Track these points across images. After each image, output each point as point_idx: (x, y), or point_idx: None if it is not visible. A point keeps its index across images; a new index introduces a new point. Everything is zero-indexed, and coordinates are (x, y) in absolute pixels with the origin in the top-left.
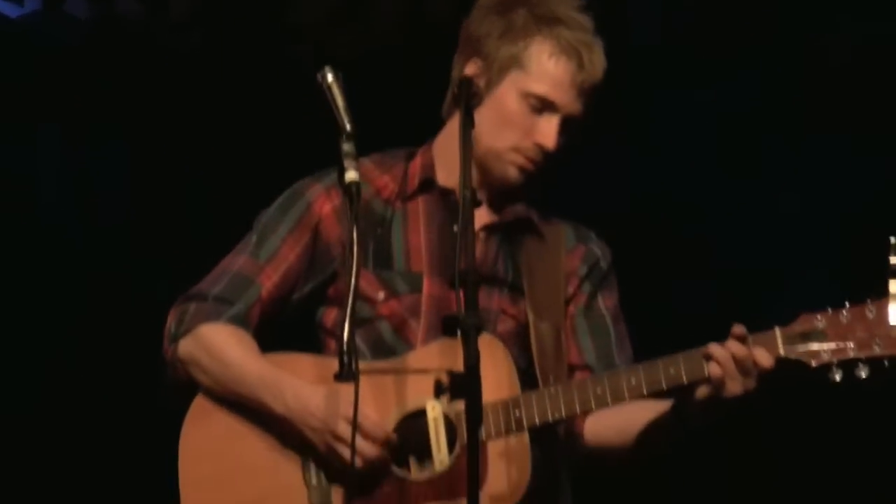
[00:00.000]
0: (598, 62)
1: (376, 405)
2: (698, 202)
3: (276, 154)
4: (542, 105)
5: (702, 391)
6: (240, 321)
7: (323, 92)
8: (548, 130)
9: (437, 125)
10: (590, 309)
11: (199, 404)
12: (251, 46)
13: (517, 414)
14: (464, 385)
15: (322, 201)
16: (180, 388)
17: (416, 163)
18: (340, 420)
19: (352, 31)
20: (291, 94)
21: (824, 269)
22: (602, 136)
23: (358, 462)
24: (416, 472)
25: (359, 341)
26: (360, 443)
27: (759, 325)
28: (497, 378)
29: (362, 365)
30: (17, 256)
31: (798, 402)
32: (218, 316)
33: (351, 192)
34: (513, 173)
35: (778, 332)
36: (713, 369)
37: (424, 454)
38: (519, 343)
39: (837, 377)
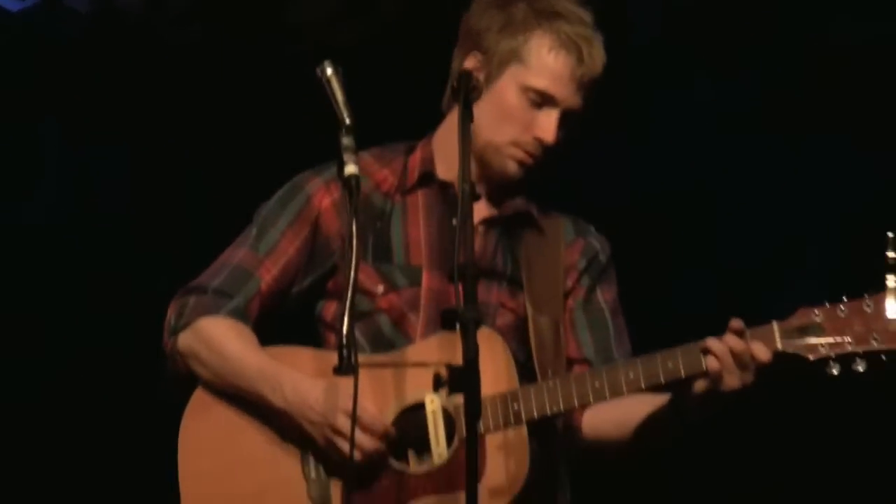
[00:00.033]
0: (597, 56)
1: (375, 399)
2: (698, 199)
3: (275, 148)
4: (542, 99)
5: (700, 385)
6: (239, 314)
7: (322, 86)
8: (547, 125)
9: (436, 119)
10: (588, 302)
11: (199, 398)
12: (251, 40)
13: (515, 407)
14: (462, 378)
15: (322, 195)
16: (180, 381)
17: (416, 156)
18: (339, 413)
19: (352, 24)
20: (291, 88)
21: (823, 268)
22: (602, 131)
23: (357, 455)
24: (414, 466)
25: (358, 335)
26: (359, 436)
27: (757, 320)
28: (496, 371)
29: (361, 358)
30: (17, 254)
31: (796, 396)
32: (217, 309)
33: (350, 186)
34: (512, 167)
35: (775, 326)
36: (711, 363)
37: (423, 447)
38: (517, 337)
39: (835, 371)
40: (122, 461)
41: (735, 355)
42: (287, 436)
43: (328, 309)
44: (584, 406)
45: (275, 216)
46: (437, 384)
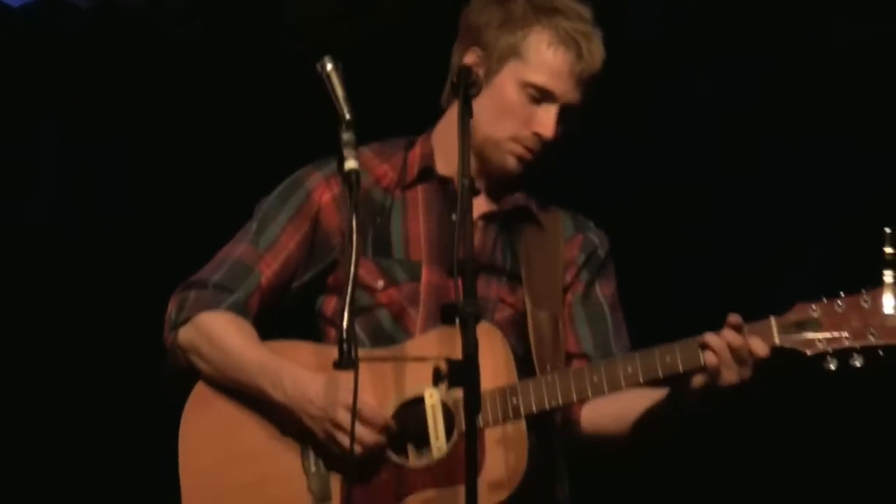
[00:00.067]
0: (596, 52)
1: (375, 393)
2: (697, 196)
3: (276, 145)
4: (541, 95)
5: (698, 380)
6: (239, 309)
7: (322, 81)
8: (546, 120)
9: (436, 114)
10: (587, 297)
11: (199, 392)
12: (251, 37)
13: (514, 402)
14: (462, 373)
15: (322, 190)
16: (180, 375)
17: (416, 152)
18: (339, 407)
19: (352, 21)
20: (291, 84)
21: (823, 268)
22: (603, 129)
23: (357, 449)
24: (413, 460)
25: (358, 329)
26: (359, 430)
27: (755, 317)
28: (495, 366)
29: (361, 353)
30: (17, 252)
31: (793, 391)
32: (218, 304)
33: (350, 181)
34: (511, 163)
35: (773, 321)
36: (709, 358)
37: (422, 441)
38: (516, 331)
39: (832, 366)
40: (123, 456)
41: (733, 350)
42: (287, 430)
43: (328, 304)
44: (582, 400)
45: (275, 211)
46: (437, 378)
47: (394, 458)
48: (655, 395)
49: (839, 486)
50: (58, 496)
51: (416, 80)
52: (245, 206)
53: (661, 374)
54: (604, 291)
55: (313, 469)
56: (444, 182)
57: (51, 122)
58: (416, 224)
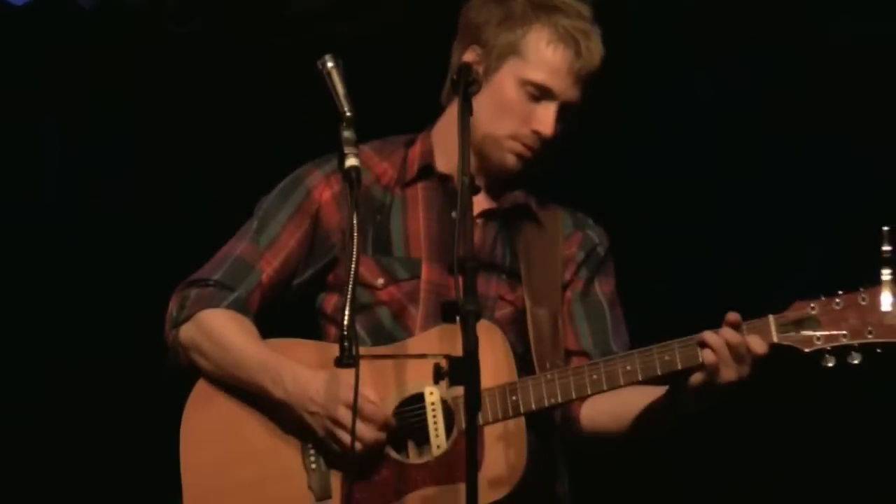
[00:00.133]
0: (595, 50)
1: (376, 390)
2: (697, 195)
3: (276, 141)
4: (540, 92)
5: (696, 377)
6: (240, 307)
7: (323, 79)
8: (545, 118)
9: (436, 112)
10: (586, 294)
11: (201, 389)
12: (252, 35)
13: (514, 399)
14: (462, 370)
15: (322, 188)
16: (181, 373)
17: (416, 149)
18: (340, 405)
19: (352, 18)
20: (292, 82)
21: (823, 268)
22: (603, 128)
23: (357, 446)
24: (414, 457)
25: (358, 327)
26: (359, 427)
27: (755, 315)
28: (495, 364)
29: (362, 350)
30: (17, 252)
31: (792, 388)
32: (219, 301)
33: (351, 179)
34: (511, 160)
35: (771, 319)
36: (707, 356)
37: (422, 439)
38: (516, 329)
39: (830, 364)
40: (125, 455)
41: (731, 348)
42: (288, 427)
43: (328, 301)
44: (581, 398)
45: (275, 209)
46: (438, 376)
47: (394, 455)
48: (654, 392)
49: (838, 485)
50: (58, 495)
51: (416, 77)
52: (245, 205)
53: (659, 372)
54: (603, 289)
55: (313, 466)
56: (444, 180)
57: (51, 122)
58: (415, 222)
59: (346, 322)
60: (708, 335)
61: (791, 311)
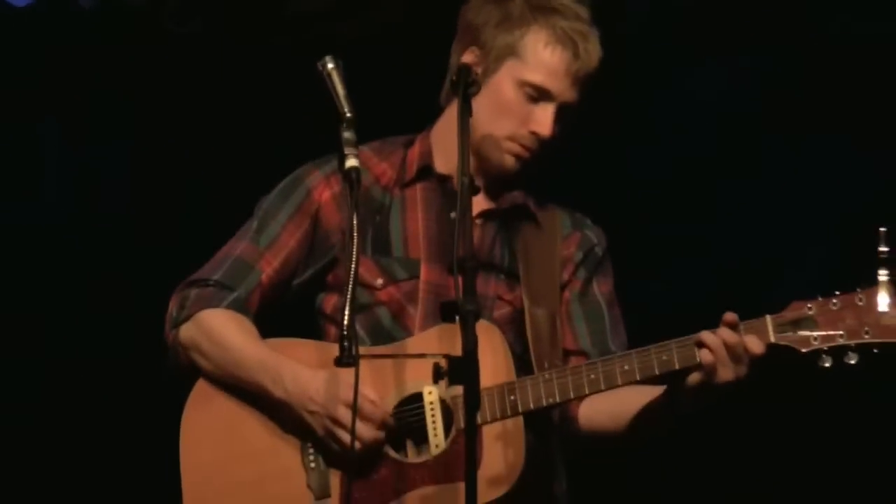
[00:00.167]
0: (593, 51)
1: (375, 390)
2: (697, 195)
3: (276, 142)
4: (538, 94)
5: (694, 377)
6: (240, 307)
7: (323, 80)
8: (543, 119)
9: (435, 112)
10: (585, 294)
11: (200, 389)
12: (252, 35)
13: (512, 399)
14: (462, 370)
15: (322, 188)
16: (181, 373)
17: (415, 150)
18: (340, 405)
19: (352, 19)
20: (291, 83)
21: (823, 268)
22: (602, 128)
23: (356, 446)
24: (412, 456)
25: (357, 327)
26: (359, 426)
27: (751, 314)
28: (494, 363)
29: (362, 350)
30: (18, 251)
31: (789, 388)
32: (219, 301)
33: (351, 179)
34: (509, 161)
35: (769, 319)
36: (705, 356)
37: (421, 438)
38: (514, 329)
39: (827, 364)
40: (125, 454)
41: (729, 348)
42: (287, 426)
43: (328, 301)
44: (579, 398)
45: (275, 209)
46: (437, 375)
47: (393, 454)
48: (652, 392)
49: (835, 485)
50: (58, 495)
51: (416, 78)
52: (245, 205)
53: (657, 372)
54: (601, 289)
55: (313, 465)
56: (443, 180)
57: (51, 122)
58: (414, 222)
59: (345, 322)
60: (705, 335)
61: (788, 311)
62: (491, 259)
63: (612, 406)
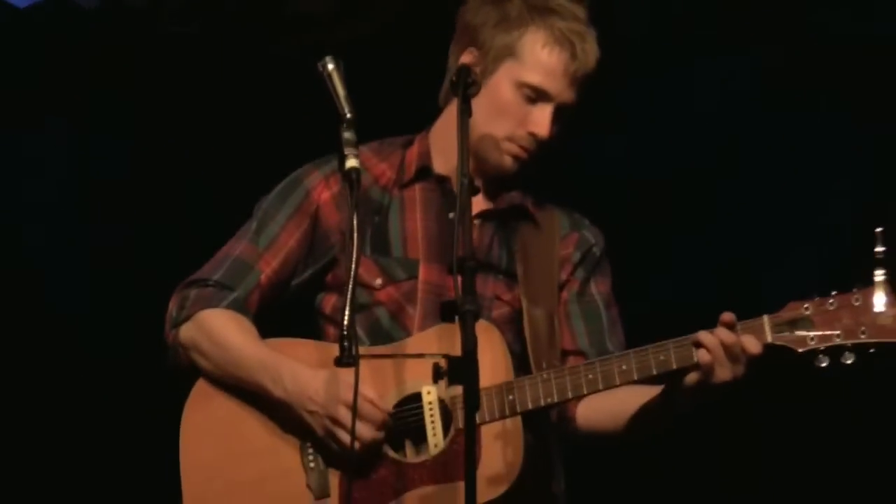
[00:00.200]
0: (591, 52)
1: (375, 389)
2: (696, 194)
3: (276, 142)
4: (536, 94)
5: (691, 377)
6: (240, 307)
7: (324, 80)
8: (541, 119)
9: (434, 113)
10: (582, 295)
11: (200, 389)
12: (251, 36)
13: (511, 398)
14: (461, 370)
15: (321, 189)
16: (181, 373)
17: (413, 151)
18: (339, 405)
19: (351, 20)
20: (291, 83)
21: (824, 268)
22: (602, 128)
23: (356, 446)
24: (411, 456)
25: (357, 327)
26: (358, 426)
27: (749, 314)
28: (493, 363)
29: (362, 350)
30: (18, 250)
31: (787, 387)
32: (218, 301)
33: (351, 179)
34: (507, 162)
35: (766, 319)
36: (702, 356)
37: (420, 438)
38: (513, 329)
39: (824, 364)
40: (125, 454)
41: (726, 348)
42: (287, 426)
43: (327, 301)
44: (578, 397)
45: (275, 210)
46: (437, 375)
47: (392, 454)
48: (649, 391)
49: (833, 484)
50: (58, 495)
51: (415, 78)
52: (245, 205)
53: (655, 372)
54: (599, 289)
55: (312, 465)
56: (442, 181)
57: (52, 122)
58: (413, 222)
59: (346, 322)
60: (703, 335)
61: (785, 311)
62: (489, 259)
63: (610, 406)
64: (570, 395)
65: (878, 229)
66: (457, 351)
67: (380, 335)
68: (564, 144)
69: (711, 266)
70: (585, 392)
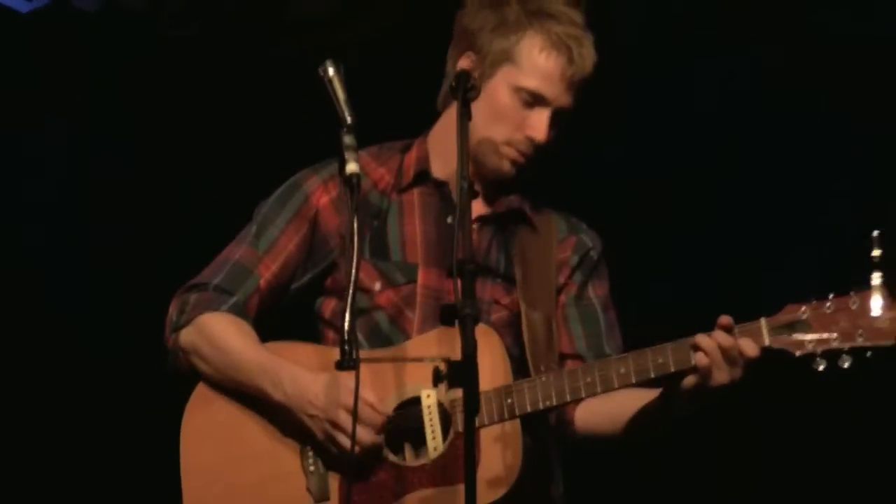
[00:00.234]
0: (588, 56)
1: (375, 393)
2: (695, 195)
3: (275, 146)
4: (534, 99)
5: (689, 380)
6: (239, 311)
7: (324, 85)
8: (539, 124)
9: (433, 116)
10: (580, 298)
11: (201, 392)
12: (251, 38)
13: (510, 402)
14: (461, 373)
15: (320, 193)
16: (181, 376)
17: (412, 155)
18: (340, 409)
19: (351, 22)
20: (291, 86)
21: (824, 269)
22: (602, 128)
23: (356, 449)
24: (411, 459)
25: (356, 331)
26: (358, 430)
27: (746, 317)
28: (492, 367)
29: (362, 353)
30: (18, 250)
31: (784, 389)
32: (218, 305)
33: (351, 184)
34: (506, 166)
35: (763, 322)
36: (700, 359)
37: (419, 441)
38: (511, 332)
39: (821, 367)
40: (125, 457)
41: (723, 351)
42: (287, 430)
43: (327, 305)
44: (576, 400)
45: (274, 214)
46: (437, 379)
47: (391, 457)
48: (647, 394)
49: (831, 484)
50: (59, 496)
51: (415, 79)
52: (245, 208)
53: (653, 375)
54: (596, 292)
55: (312, 468)
56: (440, 185)
57: (52, 123)
58: (412, 227)
59: (346, 326)
60: (700, 338)
61: (783, 314)
62: (488, 263)
63: (608, 408)
64: (568, 398)
65: (875, 233)
66: (456, 354)
67: (379, 339)
68: (564, 148)
69: (711, 266)
70: (584, 395)
